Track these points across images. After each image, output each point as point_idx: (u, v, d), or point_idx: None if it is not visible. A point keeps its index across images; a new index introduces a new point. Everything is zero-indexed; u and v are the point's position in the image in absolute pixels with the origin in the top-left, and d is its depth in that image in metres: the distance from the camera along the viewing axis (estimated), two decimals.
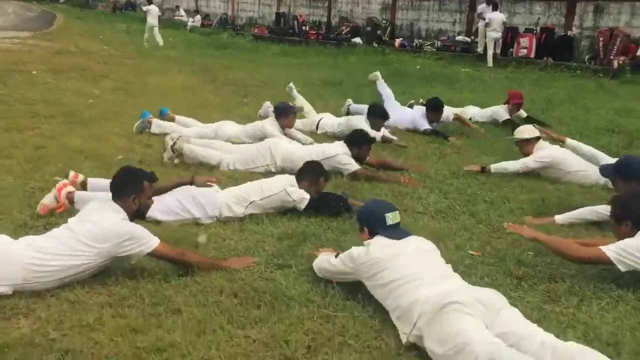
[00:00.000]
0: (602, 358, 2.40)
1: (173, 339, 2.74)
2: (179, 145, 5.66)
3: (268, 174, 5.31)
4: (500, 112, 8.18)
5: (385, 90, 8.49)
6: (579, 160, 5.51)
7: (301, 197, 4.38)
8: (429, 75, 13.87)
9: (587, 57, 15.75)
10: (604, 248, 3.33)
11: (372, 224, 3.25)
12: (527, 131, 5.76)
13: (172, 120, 7.10)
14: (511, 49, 16.97)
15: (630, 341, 2.84)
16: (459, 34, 18.95)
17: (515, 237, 4.06)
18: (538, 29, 16.80)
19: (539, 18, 17.02)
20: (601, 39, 15.17)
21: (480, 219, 4.54)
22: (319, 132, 7.32)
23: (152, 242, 3.25)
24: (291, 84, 8.01)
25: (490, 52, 16.29)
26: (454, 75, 14.19)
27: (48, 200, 4.18)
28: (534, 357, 2.41)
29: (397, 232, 3.20)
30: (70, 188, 4.23)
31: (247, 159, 5.61)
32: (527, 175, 5.64)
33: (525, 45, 16.65)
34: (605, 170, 4.53)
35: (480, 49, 17.13)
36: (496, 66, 15.91)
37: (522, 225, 3.91)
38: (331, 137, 7.16)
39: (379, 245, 3.13)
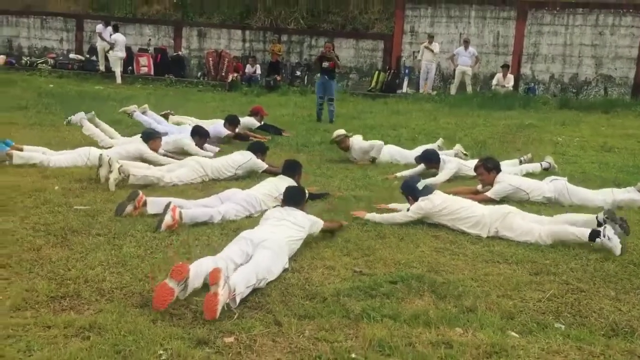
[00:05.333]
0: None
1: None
2: (125, 168, 5.98)
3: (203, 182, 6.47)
4: (253, 121, 10.28)
5: (145, 119, 9.32)
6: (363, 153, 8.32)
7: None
8: (82, 95, 14.16)
9: (199, 73, 18.74)
10: (488, 194, 6.21)
11: (413, 193, 5.42)
12: (342, 131, 8.29)
13: (20, 150, 6.68)
14: (130, 67, 18.49)
15: None
16: (68, 52, 19.17)
17: None
18: (152, 49, 18.84)
19: (150, 39, 19.04)
20: (210, 59, 18.38)
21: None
22: None
23: (321, 221, 4.75)
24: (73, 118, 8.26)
25: (118, 70, 17.44)
26: (100, 93, 14.85)
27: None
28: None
29: (429, 190, 5.44)
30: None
31: (184, 175, 6.41)
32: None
33: (145, 64, 18.49)
34: (417, 159, 7.52)
35: (102, 68, 18.00)
36: (125, 83, 17.23)
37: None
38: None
39: (431, 197, 5.32)
